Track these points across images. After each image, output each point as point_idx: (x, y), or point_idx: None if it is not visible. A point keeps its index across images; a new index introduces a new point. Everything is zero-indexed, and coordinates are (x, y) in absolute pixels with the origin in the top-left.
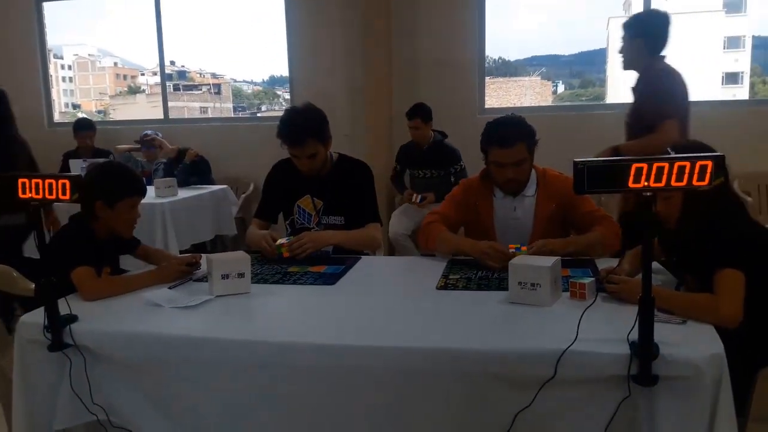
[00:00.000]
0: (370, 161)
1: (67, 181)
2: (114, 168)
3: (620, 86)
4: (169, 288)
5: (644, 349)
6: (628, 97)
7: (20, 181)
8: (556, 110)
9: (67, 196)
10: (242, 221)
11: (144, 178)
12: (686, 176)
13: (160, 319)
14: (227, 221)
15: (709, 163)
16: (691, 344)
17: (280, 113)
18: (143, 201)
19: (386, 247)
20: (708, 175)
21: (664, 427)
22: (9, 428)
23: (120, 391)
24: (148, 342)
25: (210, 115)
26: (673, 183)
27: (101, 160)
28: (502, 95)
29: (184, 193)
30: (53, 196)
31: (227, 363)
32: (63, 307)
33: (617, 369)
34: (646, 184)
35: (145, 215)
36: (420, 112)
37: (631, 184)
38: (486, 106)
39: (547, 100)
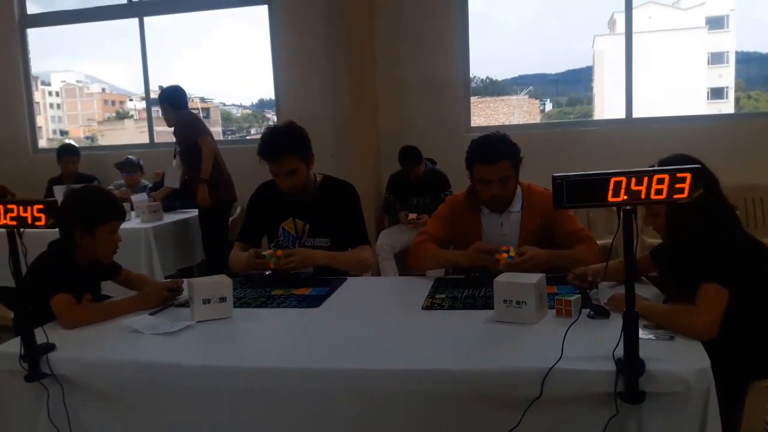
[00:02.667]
0: (357, 182)
1: (41, 206)
2: (92, 192)
3: (607, 103)
4: (150, 314)
5: (630, 365)
6: (616, 113)
7: None
8: (541, 128)
9: (42, 222)
10: (229, 244)
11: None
12: (665, 189)
13: (140, 346)
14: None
15: (688, 176)
16: (678, 359)
17: None
18: (127, 226)
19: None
20: (687, 188)
21: None
22: None
23: (98, 421)
24: (126, 370)
25: None
26: (653, 196)
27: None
28: (490, 114)
29: (168, 218)
30: (29, 222)
31: (208, 390)
32: (41, 336)
33: (604, 386)
34: (625, 197)
35: (129, 240)
36: (414, 159)
37: (610, 198)
38: (472, 125)
39: (535, 119)
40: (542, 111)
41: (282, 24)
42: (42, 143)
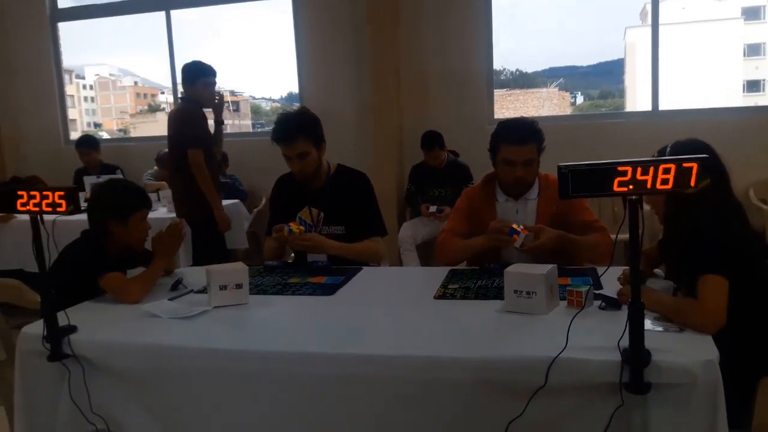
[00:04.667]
0: (379, 175)
1: (62, 193)
2: (119, 184)
3: (639, 96)
4: (169, 300)
5: (635, 355)
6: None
7: (18, 193)
8: (566, 120)
9: (63, 208)
10: (254, 235)
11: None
12: (672, 179)
13: (158, 329)
14: (239, 236)
15: (694, 165)
16: (685, 351)
17: None
18: (158, 217)
19: (395, 256)
20: (693, 178)
21: None
22: None
23: (119, 401)
24: (145, 353)
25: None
26: (659, 186)
27: (105, 177)
28: (519, 107)
29: None
30: (50, 209)
31: (223, 373)
32: (64, 319)
33: (609, 376)
34: (630, 187)
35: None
36: (437, 142)
37: (616, 188)
38: (495, 117)
39: (565, 111)
40: (573, 104)
41: (306, 17)
42: (75, 135)
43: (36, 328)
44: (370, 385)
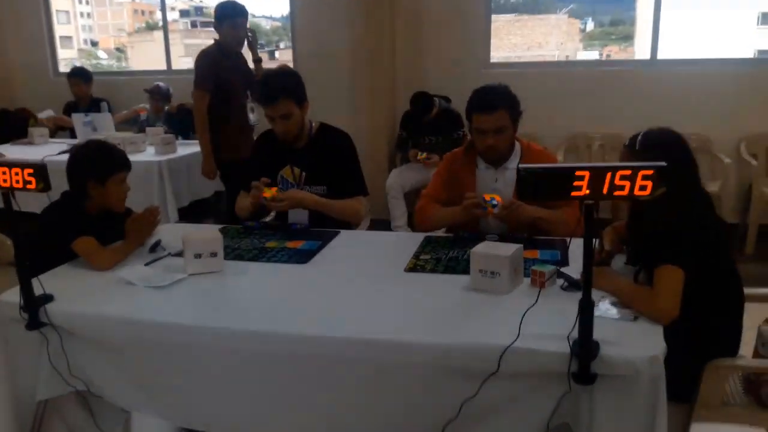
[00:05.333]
0: (372, 118)
1: (31, 170)
2: (98, 146)
3: (648, 28)
4: (145, 265)
5: (583, 350)
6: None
7: None
8: (562, 66)
9: (33, 186)
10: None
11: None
12: (628, 186)
13: (132, 300)
14: None
15: (651, 173)
16: (632, 345)
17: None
18: (141, 158)
19: (382, 204)
20: (650, 186)
21: (602, 420)
22: None
23: (97, 365)
24: (119, 325)
25: None
26: (615, 193)
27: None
28: (527, 34)
29: (182, 150)
30: (20, 185)
31: (193, 346)
32: (38, 287)
33: (558, 366)
34: (587, 191)
35: (143, 173)
36: (426, 105)
37: (573, 193)
38: (492, 60)
39: (574, 39)
40: (582, 30)
41: None
42: (72, 53)
43: (13, 295)
44: (331, 365)
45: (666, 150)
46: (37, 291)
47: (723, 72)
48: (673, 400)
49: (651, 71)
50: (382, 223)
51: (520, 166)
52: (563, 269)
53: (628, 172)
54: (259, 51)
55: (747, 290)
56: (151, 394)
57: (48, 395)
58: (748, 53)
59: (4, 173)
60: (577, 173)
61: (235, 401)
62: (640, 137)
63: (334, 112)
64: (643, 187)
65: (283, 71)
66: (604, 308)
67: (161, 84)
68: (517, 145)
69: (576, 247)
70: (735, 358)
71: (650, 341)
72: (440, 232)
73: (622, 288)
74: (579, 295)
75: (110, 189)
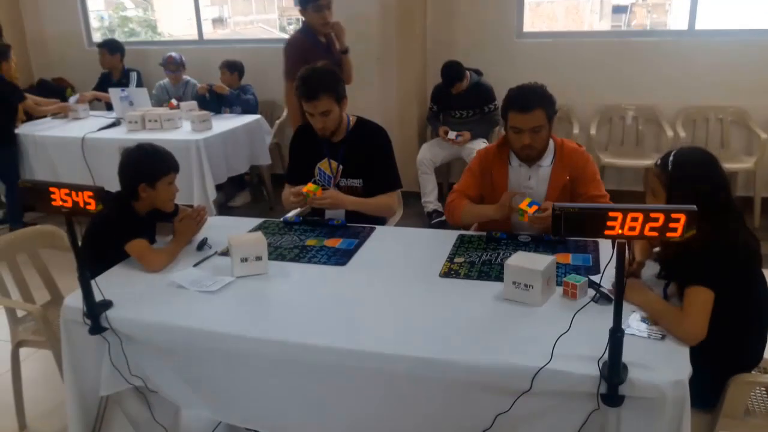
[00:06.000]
0: (402, 89)
1: (91, 193)
2: (148, 150)
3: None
4: (194, 266)
5: (612, 376)
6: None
7: (51, 189)
8: (599, 35)
9: (92, 206)
10: (277, 147)
11: (176, 103)
12: (659, 227)
13: (185, 307)
14: (262, 151)
15: (682, 217)
16: (659, 367)
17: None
18: (178, 137)
19: (412, 178)
20: (681, 228)
21: None
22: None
23: (155, 366)
24: (173, 331)
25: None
26: (647, 232)
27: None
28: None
29: (218, 127)
30: (81, 206)
31: (237, 352)
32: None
33: (588, 387)
34: (620, 232)
35: (181, 151)
36: (457, 74)
37: (605, 232)
38: (525, 30)
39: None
40: None
41: None
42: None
43: (75, 300)
44: (367, 378)
45: (698, 170)
46: (95, 293)
47: (761, 43)
48: (697, 408)
49: (688, 42)
50: (412, 196)
51: (555, 204)
52: (594, 277)
53: (659, 215)
54: (288, 26)
55: None
56: (200, 392)
57: (110, 391)
58: None
59: (67, 195)
60: (610, 214)
61: (272, 403)
62: (671, 157)
63: (362, 84)
64: (673, 229)
65: (323, 69)
66: (635, 325)
67: (173, 54)
68: (551, 143)
69: (606, 251)
70: (759, 375)
71: (676, 364)
72: (472, 230)
73: (652, 304)
74: (610, 309)
75: (160, 190)
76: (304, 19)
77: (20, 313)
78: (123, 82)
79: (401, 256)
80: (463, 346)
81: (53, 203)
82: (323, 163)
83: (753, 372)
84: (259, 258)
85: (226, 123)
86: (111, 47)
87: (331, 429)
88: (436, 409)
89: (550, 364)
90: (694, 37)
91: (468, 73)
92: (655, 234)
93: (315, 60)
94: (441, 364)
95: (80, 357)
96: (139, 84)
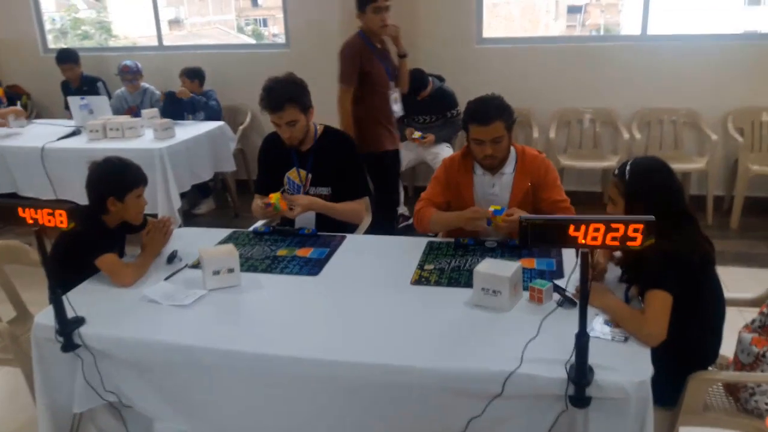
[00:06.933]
0: None
1: (63, 212)
2: (116, 163)
3: (638, 3)
4: (165, 279)
5: (579, 378)
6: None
7: (19, 209)
8: (555, 41)
9: (65, 225)
10: (241, 153)
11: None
12: (620, 236)
13: (158, 321)
14: (226, 157)
15: (641, 227)
16: (623, 369)
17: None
18: (140, 146)
19: None
20: (640, 238)
21: None
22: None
23: (128, 380)
24: (147, 346)
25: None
26: (608, 242)
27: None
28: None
29: (181, 134)
30: (52, 224)
31: (212, 366)
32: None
33: (557, 390)
34: (583, 241)
35: (144, 160)
36: (421, 82)
37: (570, 242)
38: (484, 36)
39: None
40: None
41: None
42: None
43: (46, 318)
44: (341, 386)
45: (652, 177)
46: (67, 310)
47: (711, 48)
48: (660, 406)
49: (641, 47)
50: None
51: (522, 216)
52: (559, 281)
53: (620, 226)
54: (245, 26)
55: (728, 295)
56: (174, 405)
57: (83, 408)
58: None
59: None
60: (573, 225)
61: (246, 415)
62: (628, 167)
63: (325, 90)
64: (633, 238)
65: (288, 79)
66: (599, 328)
67: (128, 63)
68: (513, 150)
69: (569, 255)
70: (716, 372)
71: (639, 365)
72: (441, 236)
73: (614, 308)
74: (575, 313)
75: (129, 204)
76: (360, 23)
77: None
78: (84, 90)
79: (372, 264)
80: (435, 352)
81: (26, 222)
82: (292, 172)
83: (710, 369)
84: (231, 270)
85: (189, 130)
86: (75, 59)
87: None
88: (410, 415)
89: (520, 369)
90: (647, 42)
91: (431, 79)
92: (616, 243)
93: (371, 64)
94: (414, 371)
95: (53, 374)
96: (107, 94)
